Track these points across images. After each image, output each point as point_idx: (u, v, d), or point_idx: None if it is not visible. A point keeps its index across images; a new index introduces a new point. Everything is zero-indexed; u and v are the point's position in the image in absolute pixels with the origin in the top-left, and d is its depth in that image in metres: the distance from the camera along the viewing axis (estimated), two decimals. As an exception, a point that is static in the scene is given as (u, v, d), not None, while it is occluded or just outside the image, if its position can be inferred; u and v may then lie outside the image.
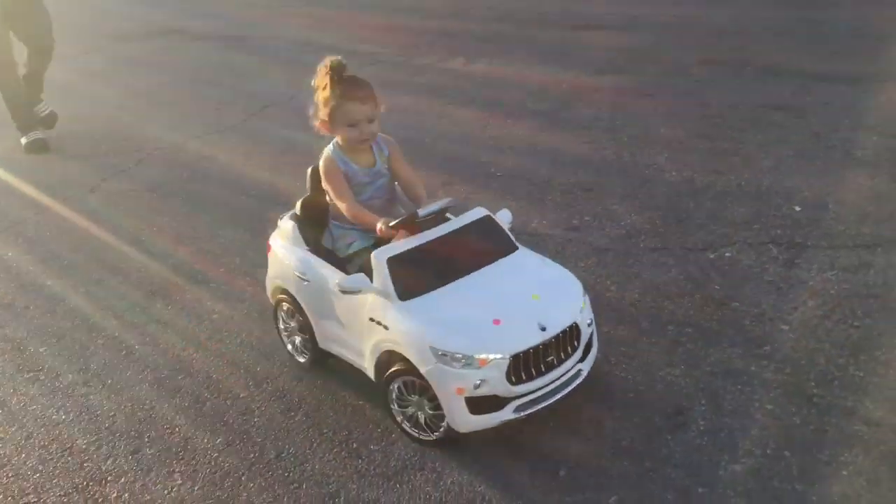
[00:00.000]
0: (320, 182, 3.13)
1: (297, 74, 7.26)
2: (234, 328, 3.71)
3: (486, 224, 2.97)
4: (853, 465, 2.55)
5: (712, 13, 8.14)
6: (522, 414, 2.68)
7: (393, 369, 2.79)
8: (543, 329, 2.64)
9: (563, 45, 7.61)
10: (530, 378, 2.65)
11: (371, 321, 2.83)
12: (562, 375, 2.74)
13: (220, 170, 5.57)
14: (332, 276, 2.99)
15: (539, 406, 2.69)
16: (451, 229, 2.90)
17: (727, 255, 3.86)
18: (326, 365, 3.27)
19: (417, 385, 2.75)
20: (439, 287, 2.77)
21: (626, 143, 5.26)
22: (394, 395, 2.85)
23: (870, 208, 4.12)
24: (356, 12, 10.10)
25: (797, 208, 4.21)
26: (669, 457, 2.66)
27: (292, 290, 3.24)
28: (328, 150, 3.11)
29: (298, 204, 3.30)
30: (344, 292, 2.84)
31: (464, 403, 2.64)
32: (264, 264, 3.46)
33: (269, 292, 3.45)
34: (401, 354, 2.73)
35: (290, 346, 3.41)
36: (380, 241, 2.93)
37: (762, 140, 5.07)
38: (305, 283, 3.14)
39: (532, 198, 4.64)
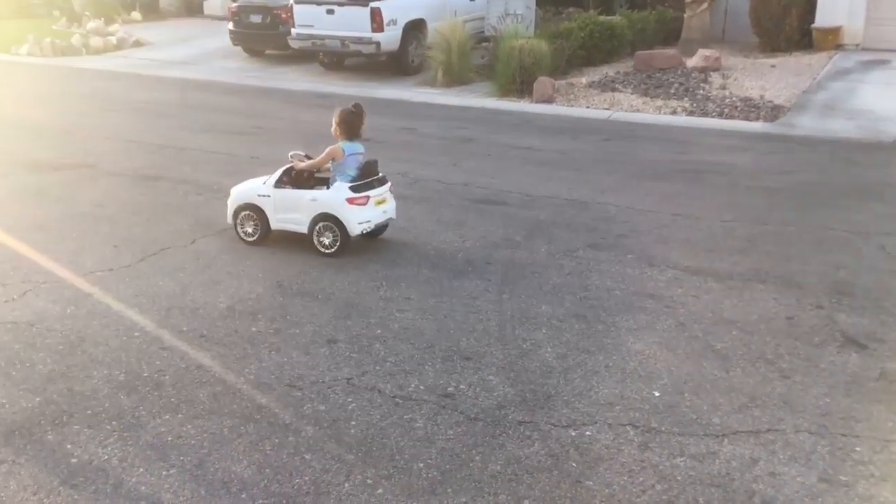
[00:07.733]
0: None
1: (200, 219, 7.40)
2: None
3: None
4: None
5: (605, 199, 8.72)
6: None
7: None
8: None
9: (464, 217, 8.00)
10: None
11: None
12: None
13: (104, 309, 5.57)
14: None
15: None
16: None
17: (587, 433, 4.05)
18: None
19: None
20: None
21: (509, 317, 5.52)
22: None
23: (721, 400, 4.41)
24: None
25: (656, 394, 4.47)
26: None
27: None
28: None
29: None
30: None
31: None
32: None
33: None
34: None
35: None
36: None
37: (633, 325, 5.41)
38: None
39: (413, 360, 4.80)
